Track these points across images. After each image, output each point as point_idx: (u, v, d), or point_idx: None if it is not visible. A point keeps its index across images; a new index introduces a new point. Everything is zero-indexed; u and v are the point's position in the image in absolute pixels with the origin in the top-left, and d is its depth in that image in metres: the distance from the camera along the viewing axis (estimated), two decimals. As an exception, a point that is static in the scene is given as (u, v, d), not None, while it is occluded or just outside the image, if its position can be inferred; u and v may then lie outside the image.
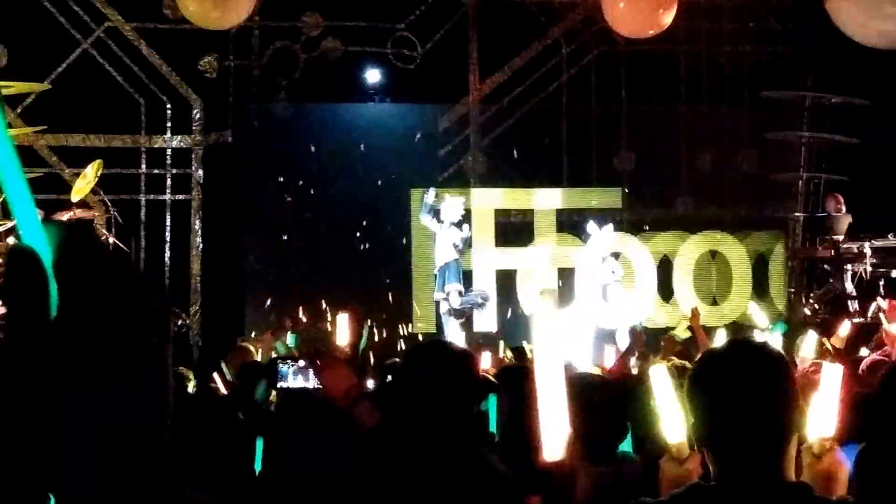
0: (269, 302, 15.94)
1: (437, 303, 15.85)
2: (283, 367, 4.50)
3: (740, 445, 2.80)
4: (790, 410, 2.84)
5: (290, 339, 10.33)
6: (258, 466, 4.49)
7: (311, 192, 16.33)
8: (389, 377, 6.49)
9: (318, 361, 4.23)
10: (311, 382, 4.27)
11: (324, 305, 15.09)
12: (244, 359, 8.80)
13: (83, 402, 1.96)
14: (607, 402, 4.54)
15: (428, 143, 16.81)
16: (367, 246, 16.27)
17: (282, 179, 16.37)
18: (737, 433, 2.80)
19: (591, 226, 16.11)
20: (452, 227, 15.61)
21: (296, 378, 4.34)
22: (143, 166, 16.74)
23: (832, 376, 3.39)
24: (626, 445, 4.96)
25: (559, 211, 16.74)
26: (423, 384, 3.69)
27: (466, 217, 16.01)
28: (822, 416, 3.39)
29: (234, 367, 8.13)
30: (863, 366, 7.63)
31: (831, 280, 16.08)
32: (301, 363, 4.57)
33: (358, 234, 16.27)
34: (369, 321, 8.49)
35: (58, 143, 16.33)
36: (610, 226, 16.17)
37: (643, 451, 5.10)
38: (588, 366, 9.19)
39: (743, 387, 2.82)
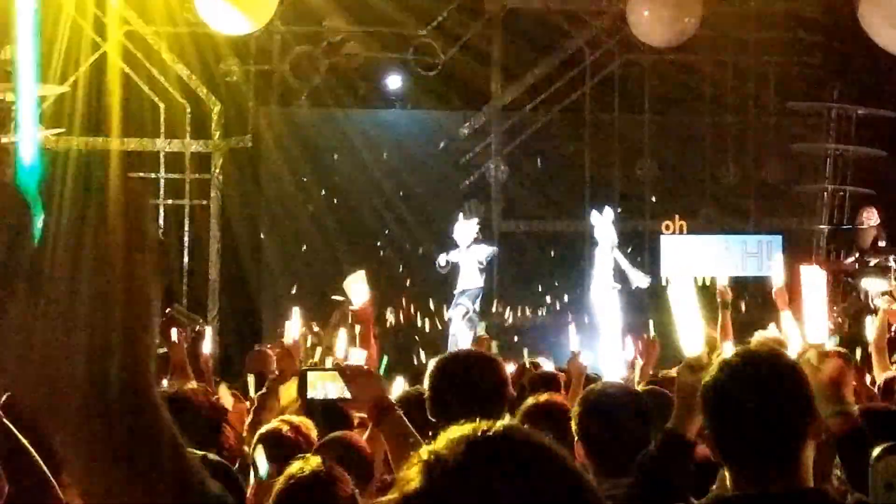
0: (287, 308, 15.84)
1: (450, 319, 15.61)
2: (311, 376, 4.40)
3: (755, 453, 2.79)
4: (805, 417, 2.82)
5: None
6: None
7: (331, 197, 16.26)
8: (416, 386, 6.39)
9: (346, 371, 4.15)
10: (340, 392, 4.16)
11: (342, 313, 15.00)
12: (264, 364, 8.67)
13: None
14: (630, 414, 4.42)
15: (449, 150, 16.74)
16: (388, 252, 16.19)
17: (301, 184, 16.29)
18: (751, 441, 2.79)
19: (593, 215, 15.72)
20: (472, 248, 15.38)
21: (328, 387, 4.22)
22: (162, 170, 16.67)
23: (815, 279, 3.28)
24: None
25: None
26: (460, 391, 3.63)
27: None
28: (810, 322, 3.33)
29: (253, 373, 8.01)
30: (880, 381, 7.55)
31: (855, 294, 15.93)
32: (330, 372, 4.48)
33: (378, 243, 16.19)
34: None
35: (77, 147, 16.25)
36: (608, 210, 15.70)
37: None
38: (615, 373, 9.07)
39: (756, 394, 2.80)
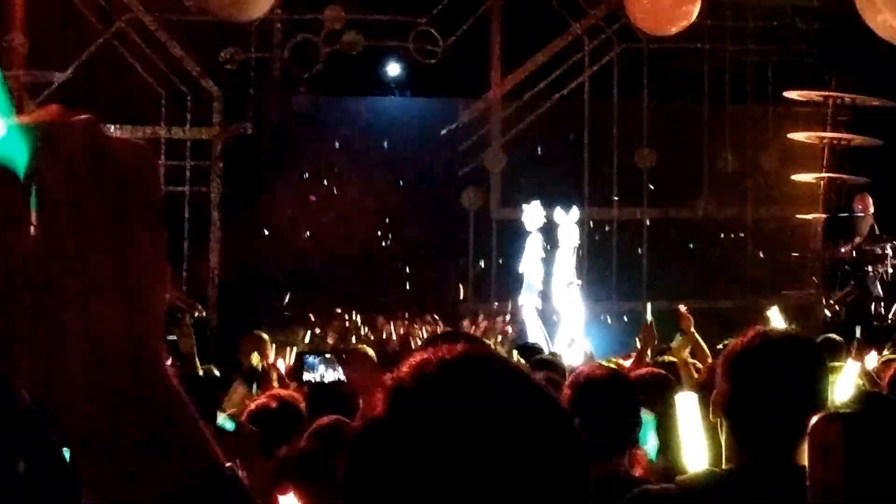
0: (286, 295, 15.91)
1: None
2: (310, 359, 4.44)
3: (766, 428, 2.83)
4: (822, 401, 2.87)
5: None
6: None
7: (331, 186, 16.31)
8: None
9: (344, 356, 4.19)
10: (338, 375, 4.23)
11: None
12: (256, 347, 8.74)
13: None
14: (622, 395, 4.49)
15: (448, 137, 16.78)
16: (388, 242, 16.25)
17: (301, 172, 16.34)
18: (767, 416, 2.83)
19: (558, 213, 15.78)
20: (537, 234, 15.55)
21: (326, 370, 4.28)
22: (163, 157, 16.70)
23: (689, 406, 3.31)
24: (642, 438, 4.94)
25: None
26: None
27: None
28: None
29: (246, 355, 8.10)
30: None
31: (853, 282, 15.98)
32: (328, 355, 4.53)
33: (379, 233, 16.25)
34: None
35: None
36: (574, 210, 15.85)
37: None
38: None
39: (785, 372, 2.86)
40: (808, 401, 2.84)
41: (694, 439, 3.24)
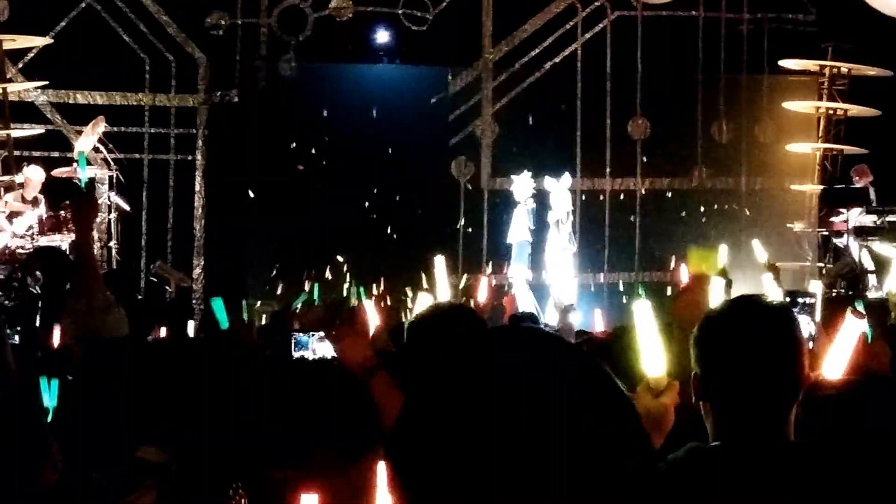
0: (272, 264, 15.79)
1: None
2: (302, 337, 4.25)
3: (746, 403, 2.73)
4: (799, 369, 2.76)
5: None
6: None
7: (319, 154, 16.14)
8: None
9: (334, 331, 4.05)
10: (330, 352, 4.06)
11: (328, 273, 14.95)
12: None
13: None
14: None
15: (439, 106, 16.61)
16: (376, 213, 16.11)
17: (288, 140, 16.15)
18: (744, 389, 2.73)
19: (548, 181, 15.83)
20: (526, 204, 15.61)
21: (318, 346, 4.10)
22: (147, 125, 16.51)
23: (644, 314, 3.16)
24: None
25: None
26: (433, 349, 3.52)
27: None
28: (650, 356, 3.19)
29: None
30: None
31: (845, 254, 15.87)
32: (320, 333, 4.33)
33: (367, 204, 16.09)
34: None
35: (59, 100, 16.08)
36: (566, 176, 15.90)
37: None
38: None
39: (754, 343, 2.75)
40: (786, 371, 2.74)
41: (650, 347, 3.09)
